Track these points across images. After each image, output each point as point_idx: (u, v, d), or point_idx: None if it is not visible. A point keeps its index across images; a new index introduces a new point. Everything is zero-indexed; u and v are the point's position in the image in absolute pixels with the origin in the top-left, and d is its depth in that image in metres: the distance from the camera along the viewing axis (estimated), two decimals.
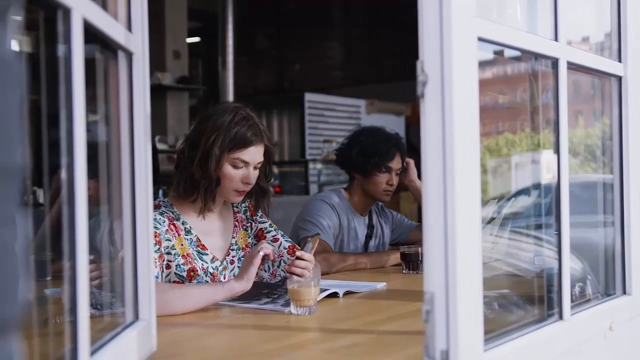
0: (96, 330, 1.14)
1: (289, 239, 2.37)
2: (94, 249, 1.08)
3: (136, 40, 1.34)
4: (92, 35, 1.09)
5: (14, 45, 0.58)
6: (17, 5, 0.58)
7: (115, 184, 1.33)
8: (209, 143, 2.11)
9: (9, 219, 0.54)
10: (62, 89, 0.97)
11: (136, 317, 1.35)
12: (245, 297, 1.97)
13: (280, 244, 2.32)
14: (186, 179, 2.16)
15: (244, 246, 2.32)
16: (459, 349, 1.14)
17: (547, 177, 1.90)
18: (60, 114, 0.98)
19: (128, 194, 1.34)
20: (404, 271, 2.62)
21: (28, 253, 0.60)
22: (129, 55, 1.32)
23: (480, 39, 1.23)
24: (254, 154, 2.17)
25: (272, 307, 1.90)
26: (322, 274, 2.60)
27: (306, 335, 1.68)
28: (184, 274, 2.12)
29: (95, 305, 1.26)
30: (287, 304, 1.88)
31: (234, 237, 2.31)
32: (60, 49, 0.98)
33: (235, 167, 2.15)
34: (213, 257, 2.21)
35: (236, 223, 2.33)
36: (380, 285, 2.31)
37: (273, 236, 2.34)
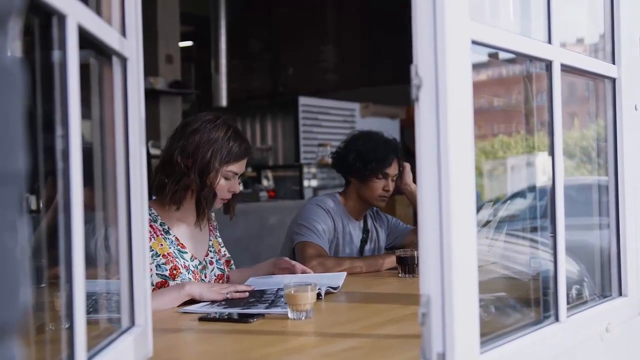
0: (92, 336, 1.14)
1: (222, 269, 2.43)
2: (89, 255, 1.07)
3: (130, 45, 1.34)
4: (86, 40, 1.09)
5: (15, 52, 0.58)
6: (18, 12, 0.58)
7: (110, 190, 1.33)
8: (207, 157, 2.20)
9: (10, 224, 0.54)
10: (57, 95, 0.97)
11: (132, 322, 1.34)
12: (243, 305, 1.97)
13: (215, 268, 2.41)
14: (182, 189, 2.22)
15: (217, 250, 2.43)
16: (455, 351, 1.13)
17: (542, 179, 1.90)
18: (55, 120, 0.97)
19: (123, 200, 1.33)
20: (399, 275, 2.62)
21: (28, 258, 0.60)
22: (124, 60, 1.32)
23: (474, 42, 1.23)
24: (243, 166, 2.31)
25: (276, 310, 1.89)
26: None
27: (303, 340, 1.67)
28: (167, 272, 2.19)
29: (89, 310, 1.25)
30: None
31: (210, 240, 2.41)
32: (55, 55, 0.98)
33: (226, 178, 2.27)
34: (192, 256, 2.29)
35: (211, 228, 2.45)
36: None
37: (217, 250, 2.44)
